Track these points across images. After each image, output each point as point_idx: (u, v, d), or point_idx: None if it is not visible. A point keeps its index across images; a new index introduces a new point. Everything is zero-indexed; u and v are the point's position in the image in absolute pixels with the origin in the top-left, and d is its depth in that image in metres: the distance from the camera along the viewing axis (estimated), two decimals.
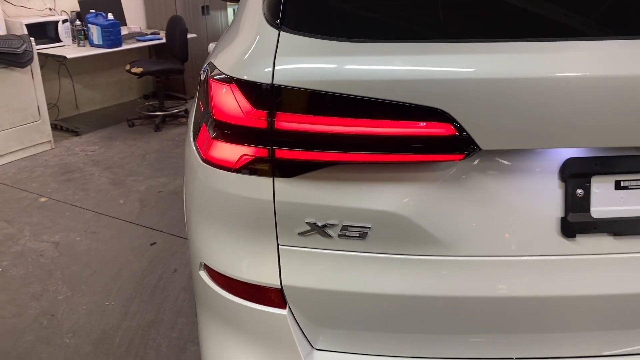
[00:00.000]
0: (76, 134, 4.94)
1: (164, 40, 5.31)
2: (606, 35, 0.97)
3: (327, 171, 1.05)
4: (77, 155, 4.47)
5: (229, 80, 1.06)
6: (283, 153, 1.03)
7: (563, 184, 1.05)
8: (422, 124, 0.97)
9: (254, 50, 1.06)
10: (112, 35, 4.80)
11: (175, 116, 5.35)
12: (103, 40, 4.78)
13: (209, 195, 1.17)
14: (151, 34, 5.44)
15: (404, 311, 1.11)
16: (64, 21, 4.87)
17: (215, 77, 1.10)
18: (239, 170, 1.08)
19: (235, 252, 1.16)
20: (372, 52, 0.99)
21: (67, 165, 4.25)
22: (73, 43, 4.93)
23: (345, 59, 0.99)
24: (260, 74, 1.01)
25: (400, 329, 1.13)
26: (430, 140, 0.99)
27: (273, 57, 1.01)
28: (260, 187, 1.08)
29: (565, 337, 1.12)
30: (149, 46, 5.59)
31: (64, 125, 5.05)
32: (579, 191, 1.05)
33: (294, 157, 1.03)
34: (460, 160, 1.00)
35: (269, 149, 1.03)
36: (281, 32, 1.04)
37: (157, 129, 5.05)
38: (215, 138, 1.09)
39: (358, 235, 1.08)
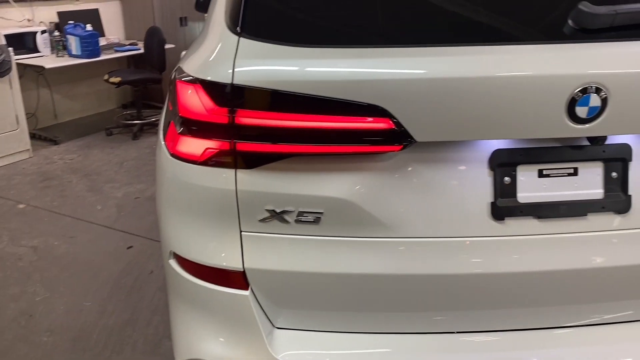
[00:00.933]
0: (55, 142, 5.00)
1: (142, 51, 5.40)
2: (524, 40, 1.11)
3: (284, 162, 1.17)
4: (55, 163, 4.52)
5: (194, 81, 1.17)
6: (243, 146, 1.15)
7: (492, 172, 1.18)
8: (365, 119, 1.10)
9: (216, 54, 1.18)
10: (90, 46, 4.88)
11: (152, 124, 5.43)
12: (81, 51, 4.86)
13: (176, 187, 1.28)
14: (129, 44, 5.53)
15: (354, 289, 1.23)
16: (43, 32, 4.94)
17: (182, 79, 1.22)
18: (204, 162, 1.19)
19: (202, 240, 1.27)
20: (321, 56, 1.12)
21: (45, 173, 4.30)
22: (52, 53, 5.00)
23: (297, 61, 1.12)
24: (222, 75, 1.13)
25: (351, 307, 1.25)
26: (372, 133, 1.11)
27: (233, 60, 1.13)
28: (223, 177, 1.19)
29: (497, 311, 1.24)
30: (128, 56, 5.68)
31: (43, 135, 5.10)
32: (506, 179, 1.18)
33: (253, 149, 1.15)
34: (398, 151, 1.13)
35: (230, 142, 1.15)
36: (240, 38, 1.16)
37: (135, 137, 5.13)
38: (182, 134, 1.21)
39: (312, 220, 1.19)
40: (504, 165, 1.18)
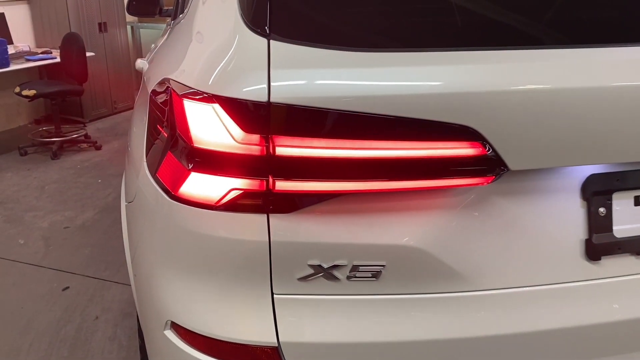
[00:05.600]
0: None
1: (58, 60, 4.84)
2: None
3: (333, 203, 0.89)
4: None
5: (210, 99, 0.87)
6: (284, 185, 0.85)
7: (585, 202, 0.97)
8: (450, 144, 0.85)
9: (237, 62, 0.88)
10: None
11: (74, 141, 4.88)
12: None
13: (179, 239, 0.96)
14: (42, 53, 4.95)
15: (423, 358, 0.97)
16: None
17: (188, 96, 0.90)
18: (224, 207, 0.89)
19: (217, 307, 0.96)
20: (385, 63, 0.85)
21: None
22: None
23: (354, 71, 0.84)
24: (253, 91, 0.83)
25: None
26: (459, 162, 0.86)
27: (267, 71, 0.84)
28: (251, 226, 0.90)
29: None
30: (39, 66, 5.08)
31: None
32: (602, 210, 0.97)
33: (296, 189, 0.86)
34: (488, 184, 0.88)
35: (266, 180, 0.85)
36: (271, 41, 0.87)
37: (55, 156, 4.57)
38: (194, 169, 0.89)
39: (370, 275, 0.92)
40: (598, 193, 0.97)
